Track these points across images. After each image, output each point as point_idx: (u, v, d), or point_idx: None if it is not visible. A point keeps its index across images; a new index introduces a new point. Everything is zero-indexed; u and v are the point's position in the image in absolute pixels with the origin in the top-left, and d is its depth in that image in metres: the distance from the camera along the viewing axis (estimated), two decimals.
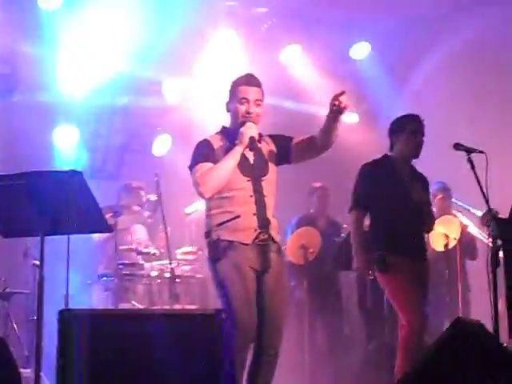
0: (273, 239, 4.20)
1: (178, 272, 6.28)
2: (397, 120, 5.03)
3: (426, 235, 5.40)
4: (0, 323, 5.95)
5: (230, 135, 4.26)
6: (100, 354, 3.56)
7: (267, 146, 4.34)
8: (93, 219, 3.81)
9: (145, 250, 6.50)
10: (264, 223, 4.16)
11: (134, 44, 6.82)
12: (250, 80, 4.30)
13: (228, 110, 4.34)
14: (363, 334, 6.77)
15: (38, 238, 3.81)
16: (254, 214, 4.15)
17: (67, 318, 3.60)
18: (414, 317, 4.66)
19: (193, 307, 6.16)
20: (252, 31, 7.44)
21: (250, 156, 4.26)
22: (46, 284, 3.79)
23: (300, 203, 7.34)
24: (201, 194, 4.19)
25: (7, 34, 6.54)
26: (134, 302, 6.19)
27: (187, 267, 6.65)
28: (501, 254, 3.97)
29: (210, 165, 4.17)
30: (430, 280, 4.97)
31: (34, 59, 6.75)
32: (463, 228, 6.48)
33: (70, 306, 5.43)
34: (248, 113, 4.21)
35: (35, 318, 3.89)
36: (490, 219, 4.03)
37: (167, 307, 5.95)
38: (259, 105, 4.25)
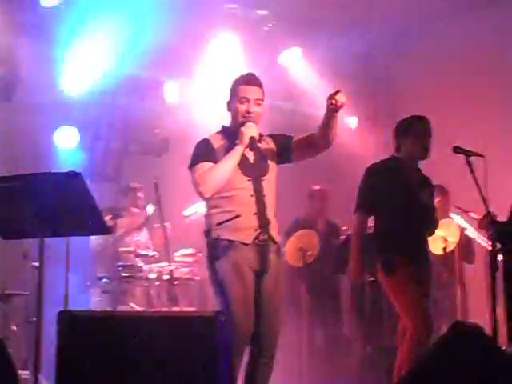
0: (272, 240, 4.18)
1: (176, 274, 6.27)
2: (403, 121, 4.94)
3: None
4: None
5: (230, 135, 4.25)
6: (99, 356, 3.55)
7: (267, 146, 4.32)
8: (92, 221, 3.80)
9: (143, 252, 6.50)
10: (264, 223, 4.14)
11: (135, 45, 6.81)
12: (250, 79, 4.28)
13: (228, 110, 4.31)
14: (361, 335, 6.77)
15: (38, 239, 3.81)
16: (255, 214, 4.13)
17: (66, 319, 3.59)
18: (421, 320, 4.60)
19: (191, 309, 6.15)
20: (252, 33, 7.44)
21: (251, 156, 4.25)
22: (46, 285, 3.79)
23: (299, 206, 7.33)
24: (200, 194, 4.17)
25: (7, 34, 6.54)
26: (132, 304, 6.19)
27: (186, 269, 6.63)
28: (499, 257, 3.98)
29: (209, 164, 4.15)
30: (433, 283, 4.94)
31: (33, 59, 6.75)
32: (461, 231, 6.47)
33: (69, 308, 5.43)
34: (248, 112, 4.19)
35: (34, 319, 3.89)
36: (489, 222, 4.03)
37: (166, 309, 5.94)
38: (259, 104, 4.23)
